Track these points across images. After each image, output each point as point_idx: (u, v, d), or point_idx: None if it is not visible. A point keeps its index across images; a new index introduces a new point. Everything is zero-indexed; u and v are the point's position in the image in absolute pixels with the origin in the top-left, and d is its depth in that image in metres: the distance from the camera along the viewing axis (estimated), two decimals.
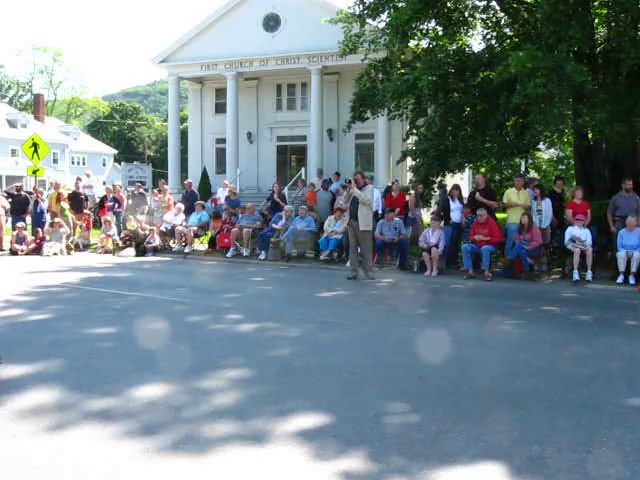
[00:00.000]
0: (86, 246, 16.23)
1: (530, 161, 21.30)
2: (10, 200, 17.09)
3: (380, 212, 14.19)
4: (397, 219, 13.16)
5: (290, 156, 29.28)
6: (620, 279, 10.82)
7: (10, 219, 16.76)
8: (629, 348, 6.27)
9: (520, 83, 11.84)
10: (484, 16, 16.45)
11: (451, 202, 13.30)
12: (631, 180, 11.89)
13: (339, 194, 14.53)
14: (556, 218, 12.35)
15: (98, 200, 19.08)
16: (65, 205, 16.32)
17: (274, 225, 14.64)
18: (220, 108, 28.58)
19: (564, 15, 12.33)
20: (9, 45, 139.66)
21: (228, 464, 3.45)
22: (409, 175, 17.51)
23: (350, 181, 11.40)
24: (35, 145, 17.58)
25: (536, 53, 11.59)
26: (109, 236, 15.72)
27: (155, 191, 18.57)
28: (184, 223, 15.87)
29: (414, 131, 16.79)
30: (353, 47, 16.64)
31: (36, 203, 16.18)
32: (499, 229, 12.16)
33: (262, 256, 14.14)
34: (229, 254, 14.64)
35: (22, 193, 16.87)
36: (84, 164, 53.51)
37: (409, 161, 18.28)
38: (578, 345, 6.42)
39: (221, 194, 18.04)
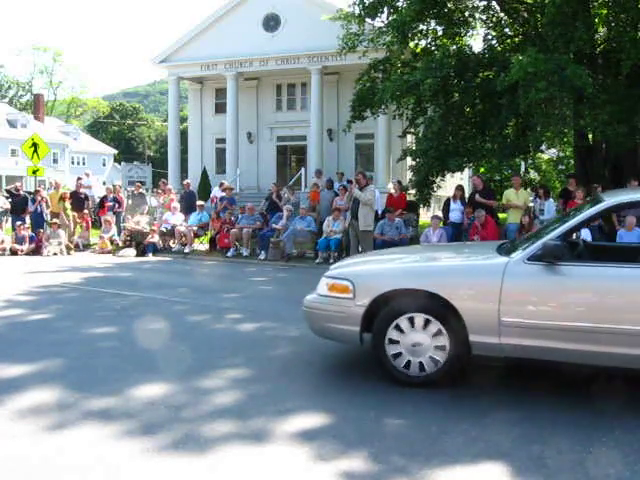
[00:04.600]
0: (86, 246, 16.23)
1: (530, 161, 21.30)
2: (10, 200, 17.09)
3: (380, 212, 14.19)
4: (398, 219, 13.19)
5: (290, 156, 29.28)
6: None
7: (10, 219, 16.76)
8: None
9: (522, 88, 11.85)
10: (484, 16, 16.47)
11: (452, 202, 13.32)
12: (636, 181, 11.85)
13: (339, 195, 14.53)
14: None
15: (98, 200, 19.08)
16: (67, 204, 16.34)
17: (274, 225, 14.64)
18: (220, 108, 28.57)
19: (567, 17, 12.32)
20: (9, 45, 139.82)
21: (228, 464, 3.45)
22: (409, 175, 17.52)
23: (351, 181, 11.43)
24: (35, 145, 17.56)
25: (537, 55, 11.59)
26: (102, 237, 15.72)
27: (159, 191, 18.57)
28: (184, 223, 15.87)
29: (412, 130, 16.81)
30: (352, 46, 16.64)
31: (34, 203, 16.14)
32: (498, 229, 12.16)
33: (262, 256, 14.13)
34: (229, 254, 14.65)
35: (21, 193, 16.87)
36: (84, 164, 53.45)
37: (409, 160, 18.29)
38: None
39: (217, 194, 18.03)
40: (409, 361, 4.72)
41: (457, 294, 4.61)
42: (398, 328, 4.72)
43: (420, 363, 4.70)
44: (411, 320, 4.69)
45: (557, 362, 4.54)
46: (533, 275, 4.48)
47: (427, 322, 4.66)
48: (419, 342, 4.67)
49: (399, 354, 4.74)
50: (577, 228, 4.99)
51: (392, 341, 4.74)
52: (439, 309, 4.62)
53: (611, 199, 4.80)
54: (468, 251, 6.20)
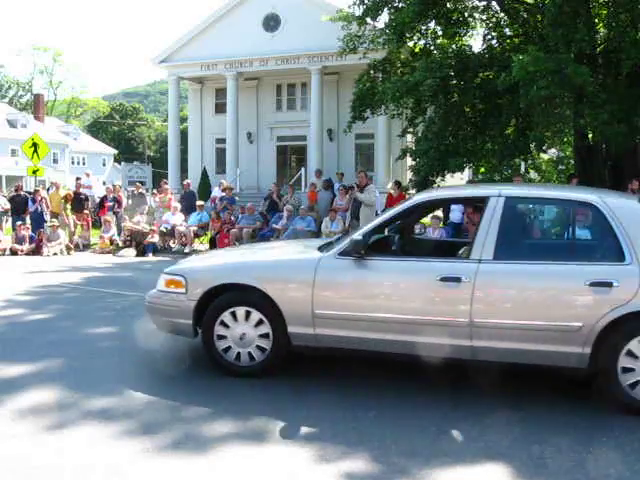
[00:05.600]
0: (86, 246, 16.22)
1: (530, 161, 21.26)
2: (10, 200, 17.07)
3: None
4: None
5: (290, 156, 29.27)
6: None
7: (10, 219, 16.75)
8: None
9: (523, 87, 11.84)
10: (484, 16, 16.46)
11: None
12: (637, 180, 11.82)
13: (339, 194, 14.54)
14: None
15: (98, 200, 19.07)
16: (68, 205, 16.35)
17: (274, 225, 14.65)
18: (220, 108, 28.55)
19: (568, 17, 12.30)
20: (9, 45, 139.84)
21: (228, 464, 3.46)
22: (409, 174, 17.51)
23: (353, 187, 11.39)
24: (35, 145, 17.54)
25: (538, 54, 11.59)
26: (102, 237, 15.71)
27: (155, 191, 18.58)
28: (184, 223, 15.87)
29: (411, 129, 16.81)
30: (353, 47, 16.63)
31: (34, 203, 16.12)
32: None
33: None
34: None
35: (21, 193, 16.86)
36: (84, 164, 53.45)
37: (409, 160, 18.27)
38: None
39: (217, 194, 18.03)
40: (239, 353, 4.93)
41: (274, 288, 4.82)
42: (225, 320, 4.93)
43: (249, 353, 4.92)
44: (236, 313, 4.91)
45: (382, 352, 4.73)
46: (342, 269, 4.74)
47: (249, 313, 4.89)
48: (244, 333, 4.90)
49: (224, 337, 4.95)
50: (385, 225, 5.26)
51: (223, 324, 4.94)
52: (260, 302, 4.84)
53: (417, 197, 5.25)
54: (293, 248, 6.22)
